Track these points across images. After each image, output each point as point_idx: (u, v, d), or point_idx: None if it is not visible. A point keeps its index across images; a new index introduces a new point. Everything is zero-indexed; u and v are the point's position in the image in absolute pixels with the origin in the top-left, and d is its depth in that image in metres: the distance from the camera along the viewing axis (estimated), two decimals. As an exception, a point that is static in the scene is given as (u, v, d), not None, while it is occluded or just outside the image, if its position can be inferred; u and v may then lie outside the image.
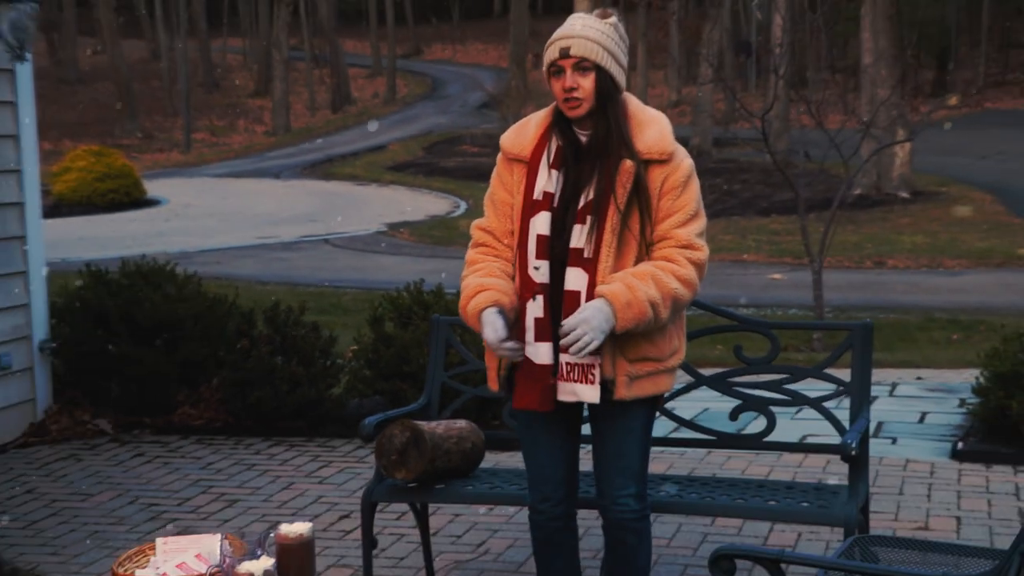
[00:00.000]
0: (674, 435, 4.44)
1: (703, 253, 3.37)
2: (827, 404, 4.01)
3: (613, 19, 3.38)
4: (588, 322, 3.21)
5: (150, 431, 6.80)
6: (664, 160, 3.33)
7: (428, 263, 15.99)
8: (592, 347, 3.22)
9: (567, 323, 3.23)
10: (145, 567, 2.88)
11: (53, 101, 36.32)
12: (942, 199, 22.16)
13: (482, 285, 3.37)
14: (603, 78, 3.30)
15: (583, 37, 3.29)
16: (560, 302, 3.34)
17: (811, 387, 4.12)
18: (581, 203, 3.34)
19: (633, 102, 3.42)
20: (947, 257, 16.43)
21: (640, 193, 3.31)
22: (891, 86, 20.35)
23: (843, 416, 4.01)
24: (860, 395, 3.81)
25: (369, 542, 4.07)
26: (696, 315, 10.97)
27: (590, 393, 3.35)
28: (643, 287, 3.25)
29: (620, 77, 3.35)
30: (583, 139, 3.37)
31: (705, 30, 29.32)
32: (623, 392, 3.37)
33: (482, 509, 5.21)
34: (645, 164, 3.32)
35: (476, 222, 3.54)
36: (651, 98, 35.07)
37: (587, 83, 3.29)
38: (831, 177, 20.34)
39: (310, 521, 2.86)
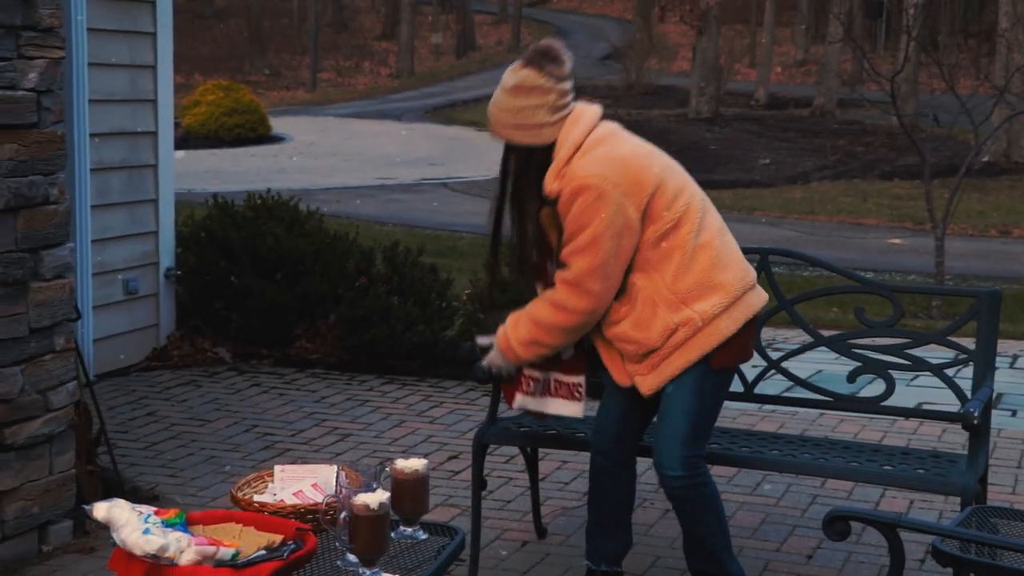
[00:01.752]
0: (787, 394, 4.39)
1: (581, 301, 3.51)
2: (948, 372, 3.94)
3: (524, 73, 3.45)
4: (494, 362, 3.76)
5: (268, 362, 6.94)
6: (555, 198, 3.53)
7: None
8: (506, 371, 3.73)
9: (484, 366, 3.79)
10: (263, 493, 2.95)
11: (187, 35, 36.88)
12: (1076, 170, 21.45)
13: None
14: (520, 150, 3.51)
15: (491, 119, 3.53)
16: None
17: (931, 354, 4.03)
18: None
19: (586, 145, 3.49)
20: (1078, 229, 15.92)
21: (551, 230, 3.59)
22: (1027, 52, 19.72)
23: (964, 385, 3.94)
24: (984, 364, 3.73)
25: (479, 483, 4.11)
26: (816, 275, 10.87)
27: (573, 408, 3.75)
28: (515, 327, 3.68)
29: (534, 139, 3.47)
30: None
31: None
32: (646, 388, 3.55)
33: (586, 455, 5.21)
34: (551, 203, 3.54)
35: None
36: (777, 56, 34.49)
37: (513, 159, 3.54)
38: (958, 143, 19.83)
39: (424, 458, 2.90)
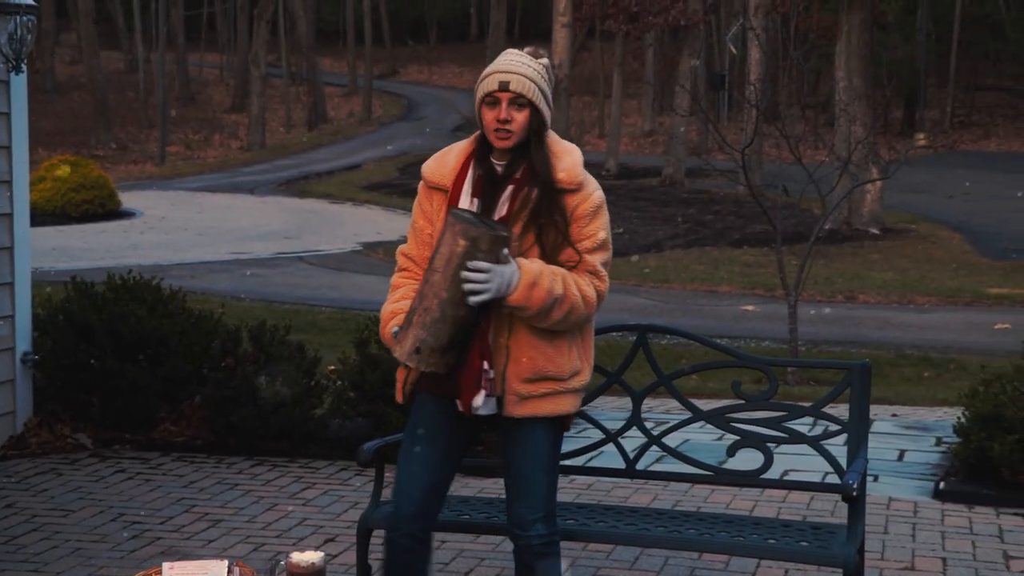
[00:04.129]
0: (668, 468, 4.45)
1: (606, 285, 3.56)
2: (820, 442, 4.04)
3: (545, 60, 3.56)
4: (498, 275, 3.34)
5: (131, 447, 6.76)
6: (574, 189, 3.50)
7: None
8: (480, 297, 3.33)
9: (481, 264, 3.31)
10: (152, 590, 2.86)
11: (30, 110, 36.02)
12: (911, 236, 22.36)
13: (394, 311, 3.56)
14: (535, 116, 3.48)
15: (522, 75, 3.47)
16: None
17: (801, 423, 4.15)
18: None
19: (551, 135, 3.58)
20: (917, 294, 16.56)
21: (546, 219, 3.47)
22: (865, 124, 20.58)
23: (835, 452, 4.05)
24: (858, 435, 3.85)
25: (364, 570, 4.06)
26: (689, 347, 11.07)
27: (492, 405, 3.50)
28: (553, 281, 3.41)
29: (548, 116, 3.54)
30: (499, 169, 3.53)
31: (681, 61, 29.54)
32: (512, 409, 3.50)
33: (469, 537, 5.20)
34: (559, 192, 3.49)
35: (400, 248, 3.71)
36: (625, 127, 35.28)
37: (520, 118, 3.46)
38: (802, 211, 20.48)
39: (318, 550, 2.85)
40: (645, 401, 4.36)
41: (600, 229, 3.52)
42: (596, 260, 3.51)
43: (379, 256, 20.01)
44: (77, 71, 45.89)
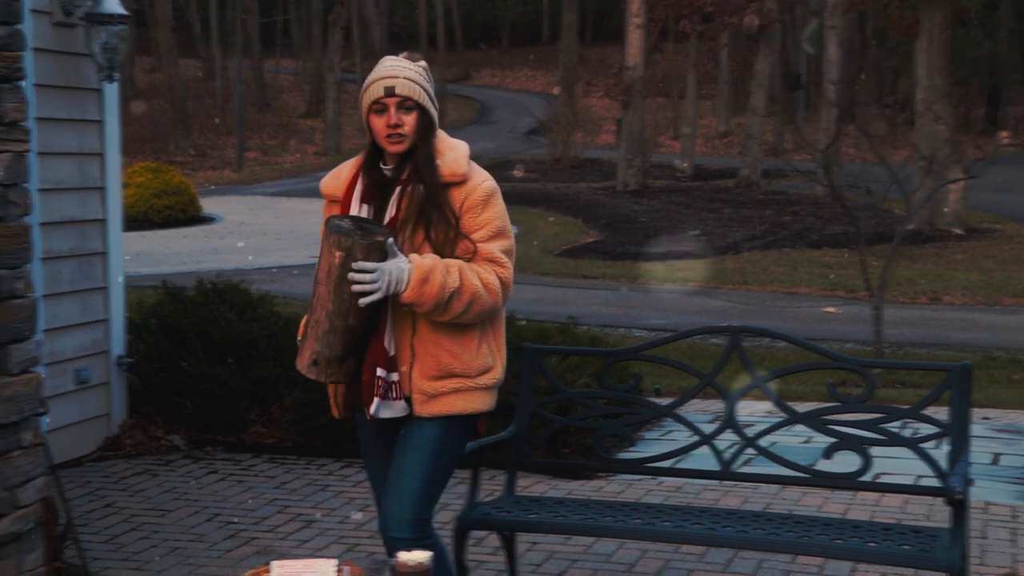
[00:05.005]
0: (749, 469, 4.41)
1: (508, 271, 3.53)
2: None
3: (423, 63, 3.61)
4: (385, 273, 3.32)
5: (222, 448, 6.85)
6: (458, 182, 3.51)
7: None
8: (371, 298, 3.30)
9: (366, 265, 3.30)
10: (263, 589, 2.91)
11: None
12: (996, 236, 21.99)
13: (303, 322, 3.55)
14: (423, 117, 3.51)
15: (406, 78, 3.49)
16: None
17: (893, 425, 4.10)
18: None
19: (439, 135, 3.59)
20: (1004, 295, 16.28)
21: (433, 213, 3.47)
22: (948, 123, 20.28)
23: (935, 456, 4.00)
24: (961, 438, 3.80)
25: (460, 570, 4.09)
26: (771, 349, 10.97)
27: (400, 409, 3.48)
28: (447, 274, 3.38)
29: (435, 116, 3.56)
30: (388, 173, 3.56)
31: (757, 61, 29.32)
32: (420, 409, 3.49)
33: (559, 539, 5.21)
34: (444, 187, 3.50)
35: None
36: (699, 128, 35.09)
37: (410, 120, 3.49)
38: (882, 211, 20.25)
39: (428, 551, 2.88)
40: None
41: (494, 218, 3.52)
42: (494, 248, 3.50)
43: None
44: (157, 79, 46.61)
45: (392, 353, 3.46)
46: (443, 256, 3.45)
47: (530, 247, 21.41)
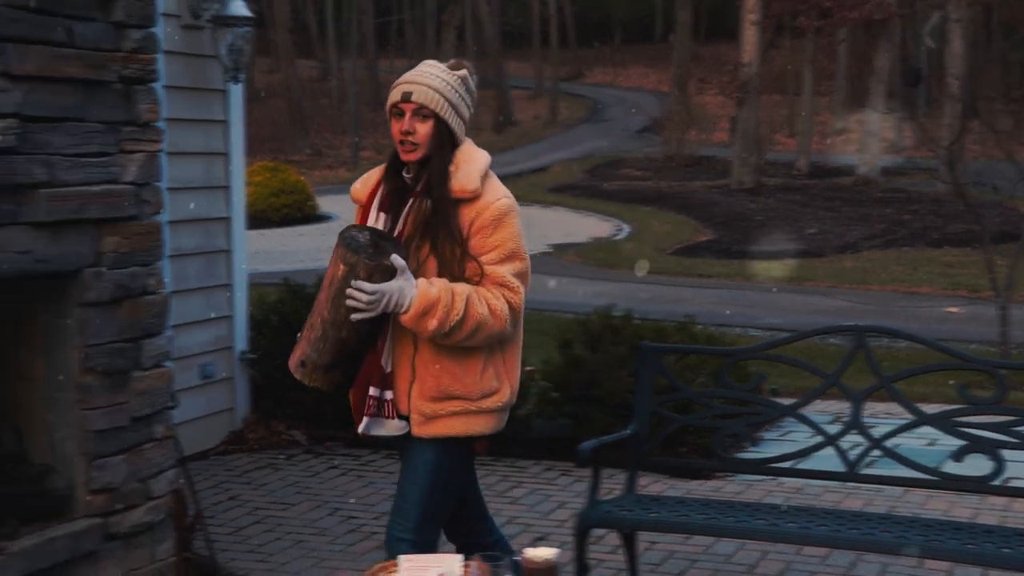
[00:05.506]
0: (871, 471, 4.33)
1: (519, 297, 3.35)
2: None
3: (463, 72, 3.46)
4: (385, 296, 3.19)
5: (342, 444, 6.94)
6: (468, 199, 3.35)
7: (594, 285, 16.01)
8: (361, 316, 3.19)
9: (364, 285, 3.18)
10: (391, 583, 2.94)
11: (227, 117, 37.38)
12: None
13: None
14: (440, 128, 3.37)
15: (426, 85, 3.38)
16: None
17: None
18: None
19: (464, 145, 3.45)
20: None
21: (440, 229, 3.32)
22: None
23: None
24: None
25: (582, 568, 4.09)
26: (892, 349, 10.75)
27: (398, 428, 3.39)
28: (450, 308, 3.23)
29: (459, 129, 3.41)
30: (408, 182, 3.44)
31: (876, 56, 28.77)
32: (418, 429, 3.37)
33: (679, 538, 5.18)
34: (454, 203, 3.34)
35: None
36: (816, 125, 34.56)
37: (424, 129, 3.36)
38: (1007, 209, 19.74)
39: (554, 547, 2.88)
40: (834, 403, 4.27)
41: (507, 239, 3.34)
42: (505, 271, 3.32)
43: (569, 258, 20.09)
44: (275, 80, 47.42)
45: (389, 370, 3.36)
46: (452, 273, 3.32)
47: (643, 246, 21.31)
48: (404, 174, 3.43)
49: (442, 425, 3.36)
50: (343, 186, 34.95)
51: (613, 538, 4.96)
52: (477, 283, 3.31)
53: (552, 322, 12.22)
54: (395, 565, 2.99)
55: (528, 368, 7.36)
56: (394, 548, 3.41)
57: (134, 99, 4.17)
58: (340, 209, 26.30)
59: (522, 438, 6.86)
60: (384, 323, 3.30)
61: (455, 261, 3.31)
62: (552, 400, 6.92)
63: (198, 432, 6.66)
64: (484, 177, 3.37)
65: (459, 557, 2.97)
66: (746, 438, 4.96)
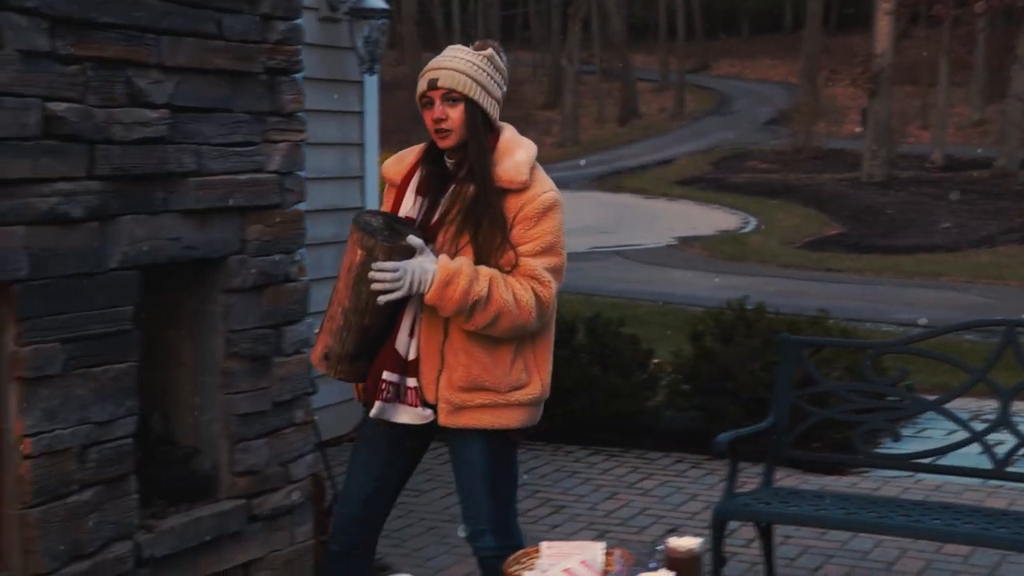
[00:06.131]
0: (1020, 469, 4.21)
1: (549, 291, 3.27)
2: None
3: (489, 51, 3.39)
4: (408, 273, 3.15)
5: (472, 433, 6.98)
6: (516, 189, 3.28)
7: (721, 278, 15.87)
8: (389, 297, 3.14)
9: (386, 264, 3.14)
10: (531, 569, 2.95)
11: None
12: None
13: None
14: (472, 109, 3.31)
15: (452, 69, 3.31)
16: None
17: None
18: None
19: (507, 132, 3.39)
20: None
21: (483, 217, 3.25)
22: None
23: None
24: None
25: (718, 560, 4.06)
26: None
27: (416, 416, 3.32)
28: (473, 281, 3.17)
29: (492, 109, 3.36)
30: (450, 167, 3.37)
31: (1017, 45, 27.93)
32: (445, 419, 3.32)
33: (814, 532, 5.11)
34: (501, 192, 3.27)
35: None
36: (951, 117, 33.69)
37: (455, 114, 3.29)
38: None
39: (697, 537, 2.87)
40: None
41: (547, 232, 3.28)
42: (538, 264, 3.26)
43: (695, 251, 19.96)
44: (401, 72, 47.98)
45: (412, 357, 3.31)
46: (488, 262, 3.27)
47: (770, 239, 21.06)
48: (447, 159, 3.38)
49: (470, 416, 3.31)
50: (468, 178, 35.06)
51: (747, 531, 4.91)
52: (508, 273, 3.26)
53: (677, 315, 12.17)
54: (536, 551, 3.01)
55: (655, 360, 7.35)
56: (479, 539, 3.46)
57: (279, 90, 4.24)
58: (466, 201, 26.52)
59: (652, 430, 6.85)
60: (401, 308, 3.27)
61: (494, 250, 3.26)
62: (682, 392, 6.89)
63: (333, 419, 6.76)
64: (532, 168, 3.33)
65: (601, 545, 2.97)
66: (887, 433, 4.86)
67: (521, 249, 3.26)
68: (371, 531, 3.56)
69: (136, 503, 3.81)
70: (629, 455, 6.62)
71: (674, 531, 5.29)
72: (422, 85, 3.34)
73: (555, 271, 3.30)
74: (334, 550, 3.55)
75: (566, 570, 2.89)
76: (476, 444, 3.35)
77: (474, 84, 3.31)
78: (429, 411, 3.31)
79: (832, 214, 23.64)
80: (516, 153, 3.33)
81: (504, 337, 3.26)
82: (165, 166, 3.83)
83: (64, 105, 3.52)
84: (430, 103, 3.33)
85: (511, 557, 3.01)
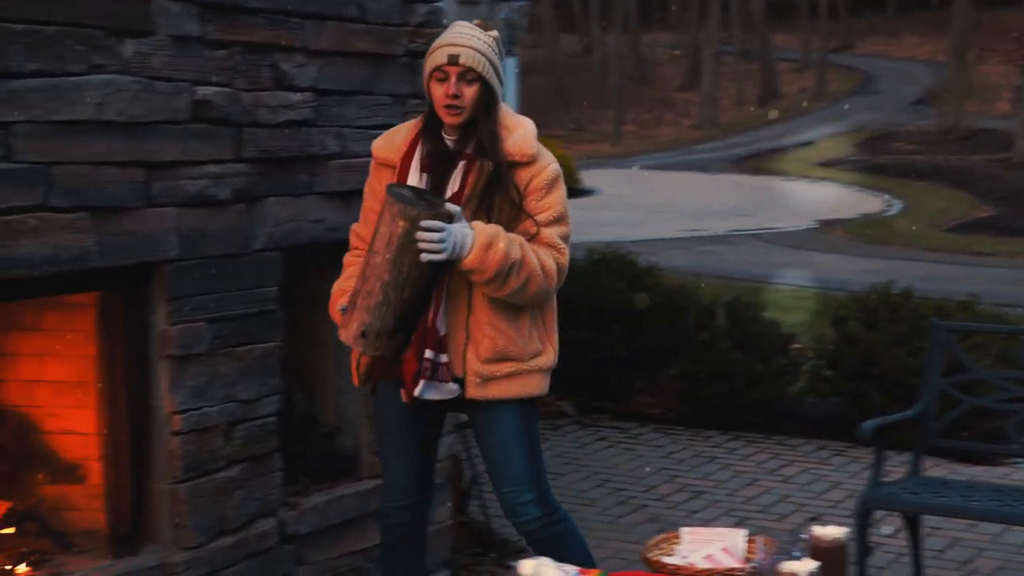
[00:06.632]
0: None
1: (565, 258, 3.37)
2: None
3: (495, 33, 3.43)
4: (452, 235, 3.15)
5: (609, 416, 6.97)
6: (526, 162, 3.35)
7: (864, 262, 15.52)
8: (433, 256, 3.12)
9: (433, 224, 3.12)
10: (671, 555, 2.92)
11: (493, 93, 38.06)
12: None
13: (343, 288, 3.42)
14: (485, 90, 3.34)
15: (472, 48, 3.32)
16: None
17: None
18: None
19: (503, 109, 3.44)
20: None
21: (498, 192, 3.31)
22: None
23: None
24: None
25: (863, 550, 3.97)
26: None
27: (450, 391, 3.33)
28: (511, 243, 3.23)
29: (499, 89, 3.40)
30: (450, 143, 3.38)
31: None
32: (474, 392, 3.34)
33: (963, 524, 4.96)
34: (510, 166, 3.33)
35: (352, 227, 3.58)
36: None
37: (470, 93, 3.32)
38: None
39: (842, 526, 2.80)
40: None
41: (557, 202, 3.37)
42: (554, 233, 3.35)
43: (837, 234, 19.55)
44: (538, 55, 48.03)
45: (443, 333, 3.34)
46: None
47: (916, 222, 20.52)
48: (445, 135, 3.40)
49: (497, 387, 3.36)
50: (605, 160, 35.26)
51: (892, 521, 4.79)
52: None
53: (819, 299, 11.93)
54: (676, 536, 2.98)
55: (796, 346, 7.22)
56: (523, 512, 3.46)
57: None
58: (602, 183, 26.44)
59: (791, 415, 6.74)
60: (439, 279, 3.29)
61: (511, 223, 3.33)
62: (825, 378, 6.75)
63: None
64: (536, 142, 3.42)
65: (743, 531, 2.92)
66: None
67: (538, 219, 3.36)
68: (423, 515, 3.62)
69: (280, 480, 3.88)
70: (769, 441, 6.52)
71: (816, 519, 5.18)
72: (440, 58, 3.34)
73: (566, 239, 3.41)
74: (391, 543, 3.59)
75: (707, 556, 2.85)
76: (507, 413, 3.41)
77: (489, 65, 3.36)
78: (456, 385, 3.36)
79: (982, 196, 22.93)
80: (523, 128, 3.42)
81: (527, 303, 3.36)
82: (309, 148, 3.88)
83: (213, 89, 3.59)
84: (444, 77, 3.34)
85: (651, 541, 2.98)
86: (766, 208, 22.64)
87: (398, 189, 3.23)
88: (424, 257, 3.13)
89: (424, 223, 3.12)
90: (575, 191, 24.24)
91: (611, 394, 7.08)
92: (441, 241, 3.13)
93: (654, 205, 23.29)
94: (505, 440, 3.43)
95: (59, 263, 3.19)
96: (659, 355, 7.10)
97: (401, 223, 3.13)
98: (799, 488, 5.68)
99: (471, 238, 3.20)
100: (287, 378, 3.96)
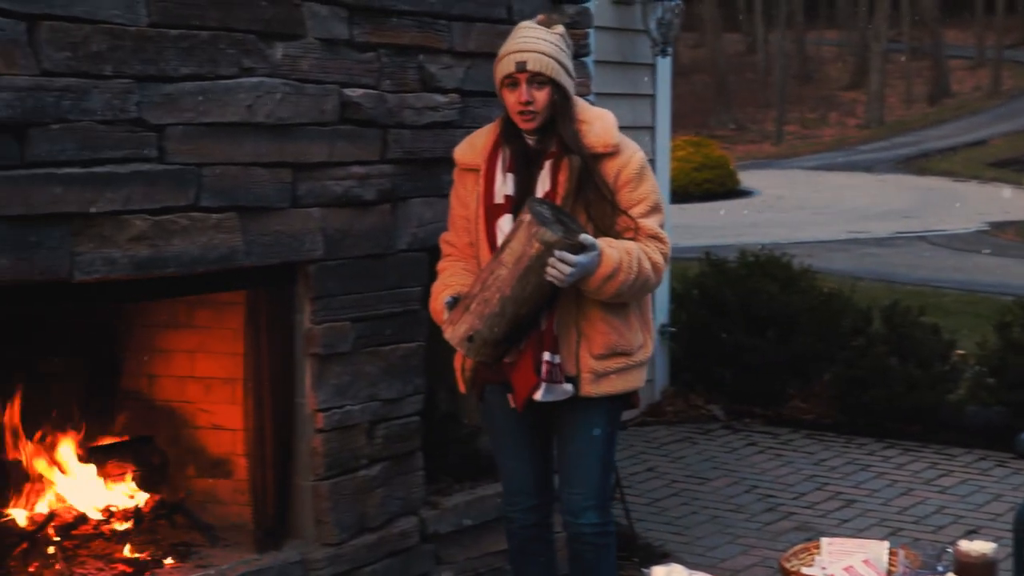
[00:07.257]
0: None
1: (667, 247, 3.39)
2: None
3: (561, 28, 3.40)
4: (581, 269, 3.18)
5: (760, 421, 6.85)
6: (611, 153, 3.34)
7: (1037, 267, 14.96)
8: (557, 282, 3.16)
9: (568, 258, 3.13)
10: (811, 566, 2.85)
11: (654, 94, 37.86)
12: None
13: (445, 285, 3.43)
14: (557, 91, 3.33)
15: (538, 52, 3.31)
16: None
17: None
18: None
19: (579, 104, 3.44)
20: None
21: (590, 188, 3.31)
22: None
23: None
24: None
25: (1021, 566, 3.80)
26: None
27: (565, 391, 3.33)
28: (630, 269, 3.25)
29: (571, 87, 3.39)
30: (531, 143, 3.39)
31: None
32: (589, 389, 3.35)
33: None
34: (595, 159, 3.33)
35: (441, 235, 3.59)
36: None
37: (542, 96, 3.32)
38: None
39: (992, 542, 2.69)
40: None
41: (651, 191, 3.38)
42: (654, 223, 3.37)
43: (1009, 236, 18.86)
44: (699, 55, 47.55)
45: (555, 334, 3.34)
46: (606, 230, 3.33)
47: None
48: (526, 137, 3.41)
49: (608, 383, 3.39)
50: (766, 161, 34.72)
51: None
52: (631, 238, 3.34)
53: (987, 304, 11.53)
54: (816, 546, 2.90)
55: (959, 352, 6.98)
56: (584, 516, 3.46)
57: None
58: (762, 184, 26.02)
59: (951, 424, 6.52)
60: (555, 298, 3.31)
61: (607, 217, 3.34)
62: (987, 386, 6.52)
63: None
64: (618, 131, 3.42)
65: (886, 544, 2.84)
66: None
67: (633, 211, 3.36)
68: (547, 515, 3.65)
69: (422, 479, 3.92)
70: (927, 450, 6.32)
71: (974, 532, 5.01)
72: (507, 67, 3.36)
73: (664, 226, 3.44)
74: (518, 547, 3.63)
75: (847, 568, 2.77)
76: (602, 412, 3.43)
77: (558, 66, 3.37)
78: (570, 386, 3.37)
79: None
80: (602, 120, 3.41)
81: (634, 299, 3.41)
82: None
83: (360, 91, 3.65)
84: (515, 84, 3.35)
85: (790, 550, 2.92)
86: (933, 209, 21.98)
87: (538, 207, 3.25)
88: (549, 279, 3.18)
89: (558, 253, 3.16)
90: (733, 192, 23.98)
91: (762, 399, 6.96)
92: (572, 275, 3.19)
93: (816, 207, 22.82)
94: (589, 448, 3.46)
95: (207, 262, 3.28)
96: (813, 360, 6.96)
97: (536, 245, 3.16)
98: (958, 499, 5.49)
99: (595, 265, 3.25)
100: (430, 377, 3.99)
